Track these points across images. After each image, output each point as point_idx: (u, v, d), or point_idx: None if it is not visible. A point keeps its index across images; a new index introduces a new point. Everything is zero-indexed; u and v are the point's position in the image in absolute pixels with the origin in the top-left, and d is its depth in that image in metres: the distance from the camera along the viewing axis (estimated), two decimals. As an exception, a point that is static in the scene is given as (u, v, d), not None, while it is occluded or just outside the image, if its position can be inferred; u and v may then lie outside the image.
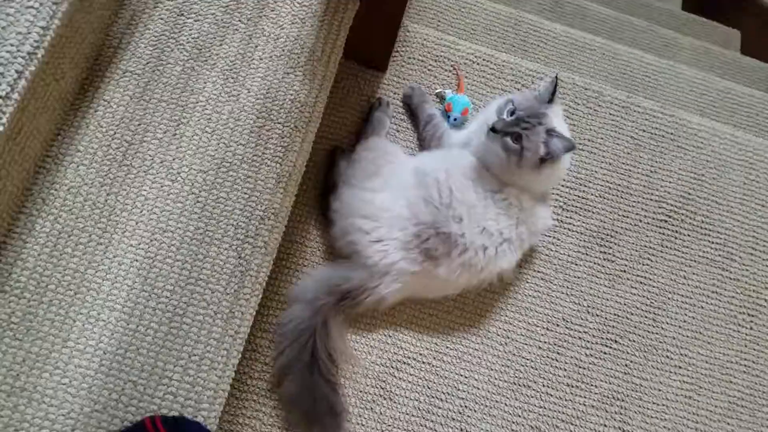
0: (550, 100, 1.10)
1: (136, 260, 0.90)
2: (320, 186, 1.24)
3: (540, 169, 1.09)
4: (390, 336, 1.18)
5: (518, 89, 1.40)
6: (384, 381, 1.15)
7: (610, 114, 1.43)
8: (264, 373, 1.11)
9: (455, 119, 1.31)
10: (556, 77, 1.10)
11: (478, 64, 1.41)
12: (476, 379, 1.18)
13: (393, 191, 1.14)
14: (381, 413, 1.14)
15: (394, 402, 1.15)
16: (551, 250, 1.29)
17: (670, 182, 1.39)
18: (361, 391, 1.14)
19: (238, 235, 0.93)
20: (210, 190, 0.94)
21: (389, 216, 1.12)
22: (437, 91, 1.36)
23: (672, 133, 1.43)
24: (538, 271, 1.28)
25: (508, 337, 1.22)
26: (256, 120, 0.99)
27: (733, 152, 1.44)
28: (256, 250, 0.94)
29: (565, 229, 1.32)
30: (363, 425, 1.12)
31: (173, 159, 0.95)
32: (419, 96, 1.32)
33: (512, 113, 1.09)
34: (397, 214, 1.12)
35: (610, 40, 1.78)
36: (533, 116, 1.07)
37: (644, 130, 1.43)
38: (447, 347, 1.20)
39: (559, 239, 1.31)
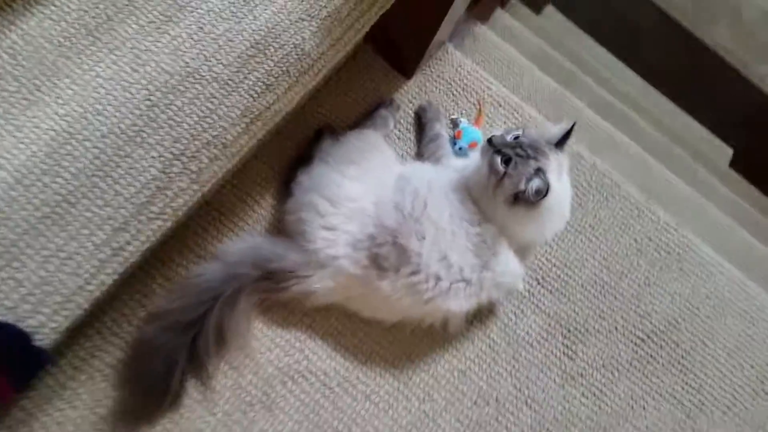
0: (559, 146, 1.00)
1: (53, 130, 0.79)
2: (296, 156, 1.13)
3: (513, 208, 0.97)
4: (300, 341, 1.03)
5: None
6: (272, 387, 1.00)
7: (621, 209, 1.31)
8: (149, 323, 0.97)
9: (460, 148, 1.21)
10: (573, 124, 1.00)
11: (504, 108, 1.33)
12: (374, 426, 1.02)
13: (367, 185, 1.03)
14: (251, 422, 0.97)
15: (272, 415, 0.98)
16: (510, 320, 1.15)
17: (661, 302, 1.25)
18: (240, 389, 0.98)
19: (173, 148, 0.82)
20: (167, 94, 0.84)
21: (352, 206, 1.00)
22: (453, 117, 1.28)
23: (679, 254, 1.31)
24: (488, 337, 1.13)
25: (429, 395, 1.06)
26: (249, 48, 0.89)
27: (739, 298, 1.30)
28: (185, 173, 0.82)
29: (532, 304, 1.17)
30: (226, 426, 0.96)
31: (145, 49, 0.86)
32: (434, 113, 1.23)
33: (516, 139, 0.99)
34: (361, 207, 1.00)
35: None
36: (532, 149, 0.97)
37: (651, 239, 1.30)
38: (358, 378, 1.04)
39: (522, 312, 1.16)
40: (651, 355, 1.20)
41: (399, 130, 1.24)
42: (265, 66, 0.90)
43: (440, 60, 1.33)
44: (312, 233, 0.98)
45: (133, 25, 0.87)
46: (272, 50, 0.91)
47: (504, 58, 1.61)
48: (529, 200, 0.95)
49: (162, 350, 0.91)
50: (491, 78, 1.36)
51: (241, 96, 0.87)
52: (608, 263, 1.26)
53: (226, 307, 0.95)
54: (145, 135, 0.82)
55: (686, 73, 2.38)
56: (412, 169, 1.09)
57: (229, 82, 0.87)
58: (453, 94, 1.31)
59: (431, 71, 1.31)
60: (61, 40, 0.84)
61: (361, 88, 1.25)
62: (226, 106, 0.86)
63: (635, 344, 1.20)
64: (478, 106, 1.31)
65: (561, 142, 1.00)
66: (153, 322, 0.94)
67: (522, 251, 1.06)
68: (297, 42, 0.93)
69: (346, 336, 1.05)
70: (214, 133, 0.85)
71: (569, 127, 1.00)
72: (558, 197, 1.00)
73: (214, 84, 0.87)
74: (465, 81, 1.33)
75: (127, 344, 0.95)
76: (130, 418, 0.93)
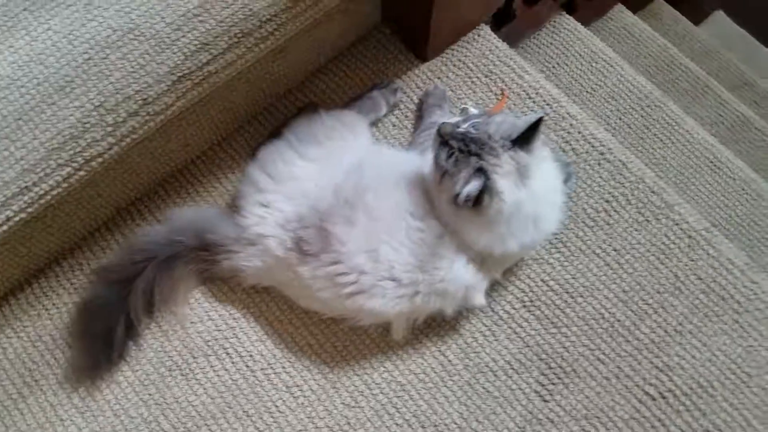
0: (521, 144, 0.81)
1: (-1, 75, 0.85)
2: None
3: (458, 210, 0.81)
4: (235, 319, 0.99)
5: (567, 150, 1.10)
6: (195, 358, 0.97)
7: (666, 235, 1.05)
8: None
9: (457, 139, 1.06)
10: (540, 118, 0.80)
11: (534, 101, 1.14)
12: (287, 421, 0.94)
13: (322, 168, 0.96)
14: (167, 386, 0.95)
15: (189, 386, 0.96)
16: (475, 340, 0.98)
17: (693, 357, 0.97)
18: (164, 353, 0.97)
19: (93, 100, 0.83)
20: (104, 48, 0.85)
21: (293, 186, 0.94)
22: (464, 105, 1.13)
23: (740, 303, 1.00)
24: (443, 354, 0.97)
25: (356, 401, 0.95)
26: (196, 6, 0.88)
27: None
28: (100, 125, 0.83)
29: (509, 328, 0.99)
30: (143, 385, 0.95)
31: (97, 6, 0.88)
32: (437, 98, 1.10)
33: (475, 128, 0.83)
34: (303, 189, 0.93)
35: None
36: (477, 144, 0.80)
37: (701, 278, 1.02)
38: (283, 368, 0.97)
39: (493, 334, 0.98)
40: (660, 420, 0.94)
41: (396, 117, 1.13)
42: (205, 25, 0.87)
43: (468, 43, 1.19)
44: (247, 208, 0.94)
45: (92, -17, 0.90)
46: (218, 9, 0.88)
47: (587, 53, 1.40)
48: (472, 205, 0.79)
49: (104, 306, 0.94)
50: (526, 65, 1.18)
51: (173, 53, 0.86)
52: (628, 298, 1.01)
53: (160, 271, 0.95)
54: (73, 85, 0.83)
55: None
56: (371, 153, 0.98)
57: (165, 39, 0.86)
58: (473, 82, 1.16)
59: (452, 56, 1.18)
60: (27, -4, 0.90)
61: (367, 69, 1.16)
62: (156, 63, 0.85)
63: (640, 401, 0.95)
64: (500, 96, 1.14)
65: (522, 140, 0.82)
66: (97, 277, 0.98)
67: (484, 260, 0.89)
68: (246, 1, 0.89)
69: (282, 323, 0.99)
70: (138, 88, 0.85)
71: (534, 120, 0.81)
72: (518, 204, 0.82)
73: (151, 41, 0.86)
74: (490, 68, 1.17)
75: (76, 290, 1.00)
76: (78, 373, 0.96)
